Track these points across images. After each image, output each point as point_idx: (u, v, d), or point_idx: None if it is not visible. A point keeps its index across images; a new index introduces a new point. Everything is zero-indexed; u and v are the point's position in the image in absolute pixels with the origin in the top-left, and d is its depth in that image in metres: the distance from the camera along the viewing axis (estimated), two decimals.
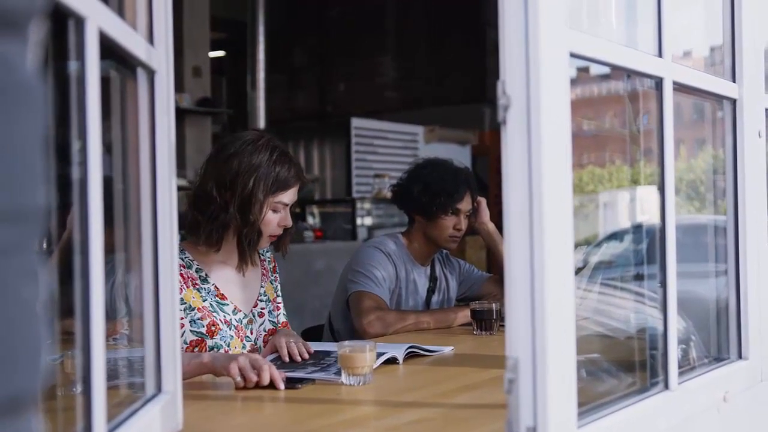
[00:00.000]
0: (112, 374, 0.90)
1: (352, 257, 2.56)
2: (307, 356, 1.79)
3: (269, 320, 2.05)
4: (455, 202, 2.51)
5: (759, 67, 1.60)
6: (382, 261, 2.48)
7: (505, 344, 0.98)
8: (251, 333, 1.99)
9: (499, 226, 2.52)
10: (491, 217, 2.65)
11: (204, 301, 1.91)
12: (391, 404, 1.49)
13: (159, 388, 1.12)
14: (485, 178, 6.69)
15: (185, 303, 1.87)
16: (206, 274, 1.95)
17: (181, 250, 1.93)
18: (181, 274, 1.89)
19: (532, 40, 0.96)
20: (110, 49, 0.92)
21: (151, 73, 1.10)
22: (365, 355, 1.57)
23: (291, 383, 1.59)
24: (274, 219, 1.93)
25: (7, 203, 0.46)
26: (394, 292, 2.52)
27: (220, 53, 8.96)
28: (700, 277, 1.66)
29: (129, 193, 1.11)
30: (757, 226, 1.57)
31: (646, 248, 1.53)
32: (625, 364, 1.44)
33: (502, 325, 2.24)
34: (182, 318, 1.86)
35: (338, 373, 1.60)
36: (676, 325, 1.29)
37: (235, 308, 1.96)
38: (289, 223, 1.96)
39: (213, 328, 1.89)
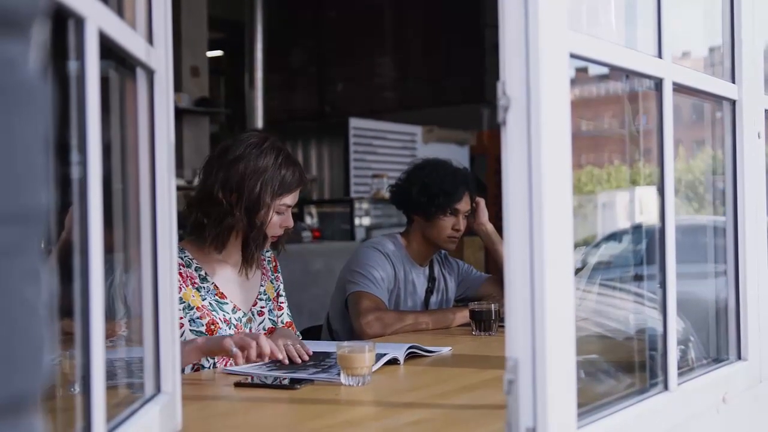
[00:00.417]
0: (111, 374, 0.89)
1: (350, 257, 2.56)
2: (306, 358, 1.79)
3: (269, 319, 2.06)
4: (454, 203, 2.51)
5: (758, 68, 1.60)
6: (381, 261, 2.48)
7: (504, 345, 0.98)
8: (251, 332, 2.00)
9: (498, 227, 2.52)
10: (489, 218, 2.65)
11: (203, 300, 1.92)
12: (390, 405, 1.49)
13: (158, 389, 1.12)
14: (483, 178, 6.69)
15: (184, 302, 1.88)
16: (205, 273, 1.95)
17: (181, 249, 1.94)
18: (180, 273, 1.89)
19: (532, 41, 0.96)
20: (110, 49, 0.92)
21: (150, 73, 1.10)
22: (364, 355, 1.57)
23: (290, 384, 1.58)
24: (277, 221, 1.95)
25: (10, 204, 0.46)
26: (392, 293, 2.52)
27: (218, 53, 8.96)
28: (700, 278, 1.66)
29: (128, 193, 1.11)
30: (757, 226, 1.57)
31: (645, 249, 1.53)
32: (624, 365, 1.44)
33: (501, 326, 2.24)
34: (181, 318, 1.87)
35: (339, 374, 1.60)
36: (675, 326, 1.29)
37: (234, 307, 1.97)
38: (291, 224, 1.98)
39: (212, 327, 1.90)
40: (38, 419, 0.48)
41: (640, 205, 1.65)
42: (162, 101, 1.12)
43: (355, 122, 7.10)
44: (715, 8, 1.59)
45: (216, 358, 1.88)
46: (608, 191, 1.97)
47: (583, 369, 1.12)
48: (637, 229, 1.71)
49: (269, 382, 1.61)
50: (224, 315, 1.94)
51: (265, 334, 2.03)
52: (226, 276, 1.99)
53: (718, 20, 1.58)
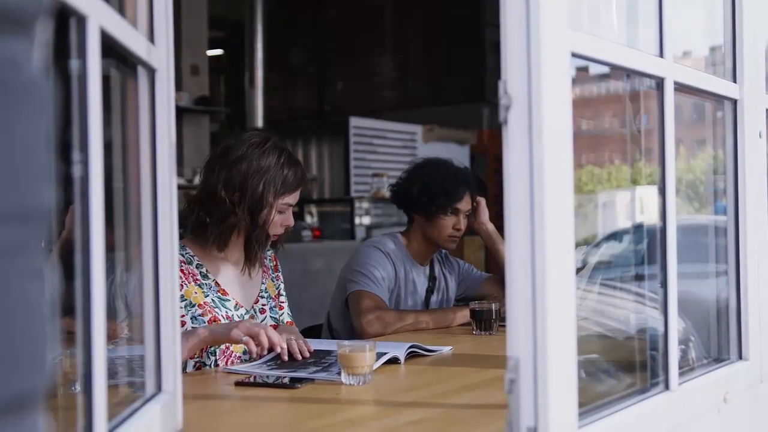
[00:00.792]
0: (111, 373, 0.89)
1: (351, 257, 2.55)
2: (307, 354, 1.80)
3: (271, 317, 2.07)
4: (454, 202, 2.51)
5: (760, 67, 1.60)
6: (381, 260, 2.47)
7: (504, 344, 0.98)
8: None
9: (498, 226, 2.52)
10: (489, 217, 2.65)
11: (206, 296, 1.92)
12: (390, 404, 1.49)
13: (159, 388, 1.12)
14: (483, 177, 6.69)
15: (186, 299, 1.89)
16: (207, 271, 1.96)
17: (182, 246, 1.94)
18: (182, 270, 1.90)
19: (534, 40, 0.96)
20: (111, 48, 0.91)
21: (151, 72, 1.10)
22: (365, 354, 1.57)
23: (291, 383, 1.58)
24: (278, 220, 1.96)
25: (14, 203, 0.45)
26: (393, 292, 2.52)
27: (219, 52, 8.96)
28: (700, 278, 1.66)
29: (129, 192, 1.11)
30: (758, 226, 1.57)
31: (646, 248, 1.53)
32: (625, 365, 1.44)
33: (502, 325, 2.23)
34: (183, 315, 1.87)
35: (339, 373, 1.60)
36: (676, 326, 1.29)
37: (236, 304, 1.98)
38: (292, 222, 2.00)
39: (214, 324, 1.90)
40: (41, 418, 0.48)
41: (640, 205, 1.65)
42: (163, 100, 1.12)
43: (355, 121, 7.10)
44: (717, 8, 1.59)
45: (218, 355, 1.88)
46: (609, 191, 1.97)
47: (584, 368, 1.12)
48: (637, 228, 1.71)
49: (270, 381, 1.61)
50: (226, 312, 1.95)
51: None
52: (228, 274, 2.00)
53: (719, 20, 1.58)
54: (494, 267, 2.89)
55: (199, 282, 1.93)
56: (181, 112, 6.36)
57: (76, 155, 0.80)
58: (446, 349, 1.99)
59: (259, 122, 7.14)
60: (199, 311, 1.90)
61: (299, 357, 1.77)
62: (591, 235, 1.94)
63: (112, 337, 1.12)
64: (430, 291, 2.63)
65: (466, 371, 1.78)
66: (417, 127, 7.37)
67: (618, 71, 1.37)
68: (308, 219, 6.47)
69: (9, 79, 0.46)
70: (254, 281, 2.06)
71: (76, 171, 0.80)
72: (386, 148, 7.22)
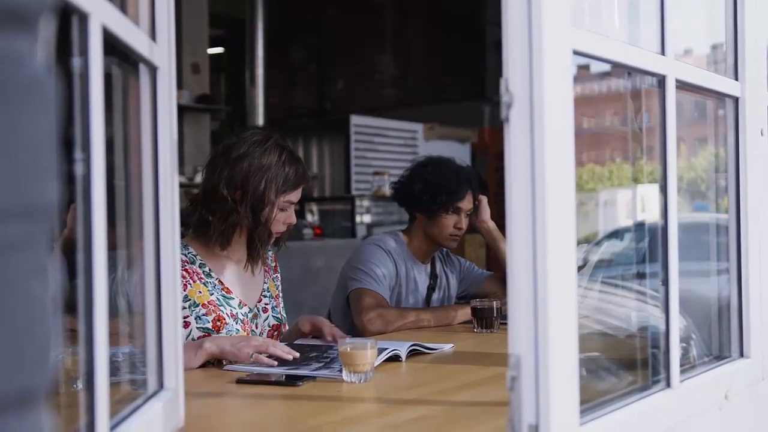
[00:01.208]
0: (113, 370, 0.90)
1: (352, 254, 2.56)
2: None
3: (273, 316, 2.08)
4: (456, 201, 2.51)
5: (762, 65, 1.60)
6: (383, 258, 2.48)
7: (505, 342, 0.98)
8: (256, 327, 2.01)
9: (498, 224, 2.52)
10: (490, 215, 2.65)
11: (211, 295, 1.93)
12: (392, 402, 1.49)
13: (161, 385, 1.12)
14: (484, 175, 6.69)
15: (189, 299, 1.89)
16: (209, 269, 1.97)
17: (185, 246, 1.95)
18: (185, 270, 1.91)
19: (536, 38, 0.96)
20: (113, 45, 0.91)
21: (153, 69, 1.10)
22: (366, 352, 1.57)
23: (292, 380, 1.59)
24: (281, 217, 1.96)
25: (18, 199, 0.46)
26: (394, 290, 2.52)
27: (219, 50, 8.96)
28: (702, 276, 1.66)
29: (131, 189, 1.11)
30: (759, 224, 1.57)
31: (647, 247, 1.53)
32: (626, 363, 1.44)
33: (503, 323, 2.24)
34: (187, 316, 1.88)
35: (341, 370, 1.60)
36: (678, 324, 1.29)
37: (240, 302, 1.99)
38: (294, 220, 2.00)
39: (218, 323, 1.91)
40: (45, 413, 0.48)
41: (642, 203, 1.65)
42: (165, 97, 1.12)
43: (356, 119, 7.10)
44: (718, 5, 1.59)
45: None
46: (610, 189, 1.97)
47: (585, 366, 1.12)
48: (639, 227, 1.71)
49: (271, 378, 1.61)
50: (231, 310, 1.95)
51: (270, 330, 2.04)
52: (231, 272, 2.01)
53: (721, 18, 1.58)
54: (495, 265, 2.89)
55: (203, 281, 1.94)
56: (181, 111, 6.36)
57: (78, 153, 0.80)
58: (447, 347, 1.99)
59: (260, 120, 7.15)
60: (203, 310, 1.90)
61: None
62: (592, 233, 1.94)
63: (115, 340, 1.12)
64: (431, 289, 2.63)
65: (468, 369, 1.78)
66: (418, 125, 7.37)
67: (619, 69, 1.37)
68: (309, 217, 6.47)
69: (12, 75, 0.46)
70: (257, 280, 2.07)
71: (78, 169, 0.80)
72: (387, 146, 7.22)
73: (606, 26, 1.45)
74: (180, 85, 6.45)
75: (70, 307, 0.80)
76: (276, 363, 1.71)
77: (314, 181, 7.21)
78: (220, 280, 1.97)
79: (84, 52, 0.80)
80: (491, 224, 2.65)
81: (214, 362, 1.88)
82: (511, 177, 0.97)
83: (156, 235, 1.12)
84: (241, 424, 1.38)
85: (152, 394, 1.10)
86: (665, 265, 1.28)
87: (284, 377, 1.62)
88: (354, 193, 6.76)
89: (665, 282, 1.29)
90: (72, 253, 0.82)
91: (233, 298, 1.97)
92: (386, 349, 1.78)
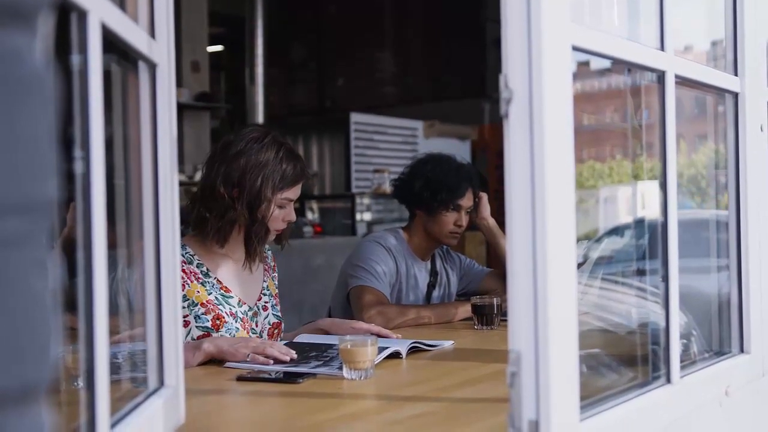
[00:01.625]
0: (114, 368, 0.90)
1: (352, 252, 2.56)
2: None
3: (273, 314, 2.07)
4: (457, 199, 2.51)
5: (761, 60, 1.60)
6: (383, 255, 2.48)
7: (506, 339, 0.98)
8: (256, 326, 2.01)
9: (499, 221, 2.52)
10: (491, 213, 2.65)
11: (209, 294, 1.93)
12: (392, 399, 1.49)
13: (161, 382, 1.12)
14: (484, 173, 6.69)
15: (188, 299, 1.89)
16: (207, 269, 1.96)
17: (182, 246, 1.94)
18: (183, 270, 1.90)
19: (535, 34, 0.96)
20: (112, 43, 0.91)
21: (152, 67, 1.10)
22: (366, 349, 1.57)
23: (292, 377, 1.59)
24: (279, 215, 1.96)
25: (18, 195, 0.46)
26: (394, 287, 2.52)
27: (219, 48, 8.95)
28: (702, 272, 1.66)
29: (130, 188, 1.11)
30: (759, 220, 1.57)
31: (648, 243, 1.53)
32: (626, 359, 1.44)
33: (503, 320, 2.24)
34: (187, 315, 1.88)
35: (341, 367, 1.61)
36: (678, 319, 1.29)
37: (239, 300, 1.98)
38: (293, 218, 1.99)
39: (218, 322, 1.91)
40: (45, 409, 0.48)
41: (642, 200, 1.65)
42: (164, 95, 1.12)
43: (356, 117, 7.09)
44: (718, 1, 1.58)
45: None
46: (610, 186, 1.97)
47: (585, 363, 1.12)
48: (639, 223, 1.71)
49: (272, 376, 1.62)
50: (230, 309, 1.95)
51: (270, 329, 2.04)
52: (229, 271, 2.00)
53: (720, 14, 1.58)
54: (495, 262, 2.89)
55: (201, 280, 1.93)
56: (181, 109, 6.36)
57: (77, 152, 0.80)
58: (448, 344, 1.99)
59: (260, 118, 7.14)
60: (202, 310, 1.90)
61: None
62: (592, 229, 1.94)
63: (116, 338, 1.12)
64: (432, 286, 2.63)
65: (468, 366, 1.78)
66: (418, 122, 7.36)
67: (619, 66, 1.37)
68: (309, 215, 6.47)
69: (12, 71, 0.46)
70: (256, 278, 2.06)
71: (78, 167, 0.80)
72: (387, 143, 7.22)
73: (606, 23, 1.45)
74: (180, 83, 6.45)
75: (71, 305, 0.80)
76: (272, 362, 1.70)
77: (314, 179, 7.22)
78: (218, 279, 1.96)
79: (83, 50, 0.80)
80: (491, 221, 2.65)
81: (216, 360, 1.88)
82: (510, 173, 0.97)
83: (156, 233, 1.12)
84: (241, 421, 1.38)
85: (153, 392, 1.10)
86: (665, 261, 1.28)
87: (284, 374, 1.62)
88: (354, 190, 6.76)
89: (665, 278, 1.29)
90: (72, 252, 0.82)
91: (232, 297, 1.97)
92: (386, 348, 1.78)
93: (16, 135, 0.46)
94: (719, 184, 1.67)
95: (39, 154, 0.48)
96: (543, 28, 0.95)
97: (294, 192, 1.97)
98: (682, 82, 1.34)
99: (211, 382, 1.64)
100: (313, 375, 1.61)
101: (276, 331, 2.07)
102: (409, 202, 2.61)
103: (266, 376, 1.62)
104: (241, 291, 2.00)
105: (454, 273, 2.71)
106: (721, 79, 1.52)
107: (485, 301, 2.28)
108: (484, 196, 2.64)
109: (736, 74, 1.55)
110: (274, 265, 2.17)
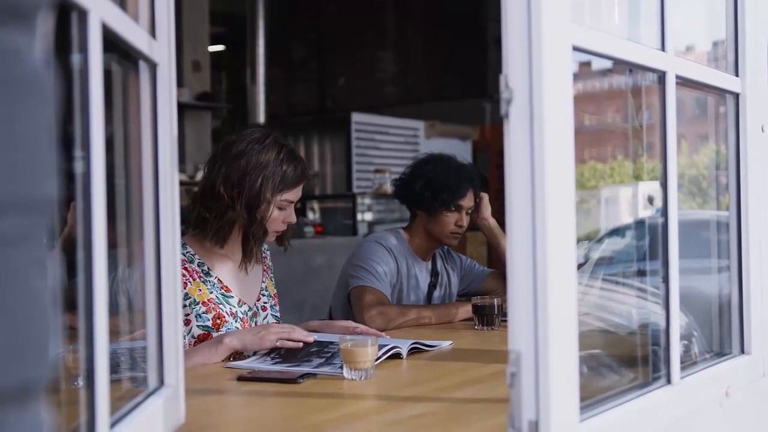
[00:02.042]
0: (113, 368, 0.90)
1: (353, 252, 2.56)
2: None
3: (272, 314, 2.08)
4: (457, 199, 2.51)
5: (762, 61, 1.59)
6: (384, 256, 2.48)
7: (506, 339, 0.98)
8: (255, 326, 2.01)
9: (500, 221, 2.52)
10: (492, 213, 2.65)
11: (210, 293, 1.93)
12: (392, 399, 1.49)
13: (161, 381, 1.12)
14: (485, 173, 6.69)
15: (190, 297, 1.89)
16: (208, 268, 1.97)
17: (183, 245, 1.94)
18: (185, 268, 1.91)
19: (535, 34, 0.96)
20: (112, 42, 0.91)
21: (153, 66, 1.10)
22: (367, 349, 1.57)
23: (293, 377, 1.59)
24: (279, 216, 1.96)
25: (17, 193, 0.46)
26: (395, 287, 2.52)
27: (220, 48, 8.96)
28: (703, 273, 1.66)
29: (131, 187, 1.11)
30: (760, 221, 1.57)
31: (648, 244, 1.53)
32: (627, 359, 1.44)
33: (504, 320, 2.24)
34: (188, 314, 1.88)
35: (342, 367, 1.61)
36: (678, 320, 1.29)
37: (239, 300, 1.99)
38: (293, 219, 2.00)
39: (218, 321, 1.91)
40: (44, 407, 0.48)
41: (643, 201, 1.65)
42: (164, 94, 1.12)
43: (357, 117, 7.10)
44: (719, 2, 1.58)
45: None
46: (611, 186, 1.96)
47: (586, 363, 1.12)
48: (639, 224, 1.71)
49: (272, 375, 1.62)
50: (230, 308, 1.95)
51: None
52: (229, 271, 2.00)
53: (721, 14, 1.57)
54: (497, 262, 2.89)
55: (202, 279, 1.94)
56: (182, 108, 6.36)
57: (77, 151, 0.80)
58: (446, 344, 1.99)
59: (261, 118, 7.15)
60: (203, 309, 1.91)
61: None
62: (593, 230, 1.94)
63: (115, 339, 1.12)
64: (432, 286, 2.63)
65: (468, 366, 1.78)
66: (419, 122, 7.36)
67: (621, 66, 1.37)
68: (310, 215, 6.47)
69: (11, 70, 0.46)
70: (255, 279, 2.07)
71: (78, 167, 0.80)
72: (388, 143, 7.22)
73: (606, 23, 1.45)
74: (181, 83, 6.46)
75: (72, 305, 0.80)
76: (301, 345, 1.77)
77: (315, 179, 7.22)
78: (219, 279, 1.97)
79: (83, 49, 0.80)
80: (492, 221, 2.65)
81: None
82: (510, 173, 0.97)
83: (156, 233, 1.12)
84: (241, 420, 1.38)
85: (153, 391, 1.10)
86: (665, 262, 1.28)
87: (285, 374, 1.62)
88: (355, 190, 6.77)
89: (665, 279, 1.29)
90: (73, 251, 0.82)
91: (232, 297, 1.98)
92: (386, 345, 1.78)
93: (15, 134, 0.46)
94: (720, 184, 1.67)
95: (39, 154, 0.48)
96: (543, 28, 0.95)
97: (294, 194, 1.97)
98: (683, 82, 1.34)
99: (212, 381, 1.64)
100: (314, 375, 1.62)
101: None
102: (410, 203, 2.61)
103: (266, 376, 1.62)
104: (241, 291, 2.01)
105: (455, 273, 2.71)
106: (722, 79, 1.51)
107: (486, 301, 2.28)
108: (485, 197, 2.64)
109: (737, 75, 1.54)
110: (271, 266, 2.17)
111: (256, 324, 2.02)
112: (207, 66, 6.95)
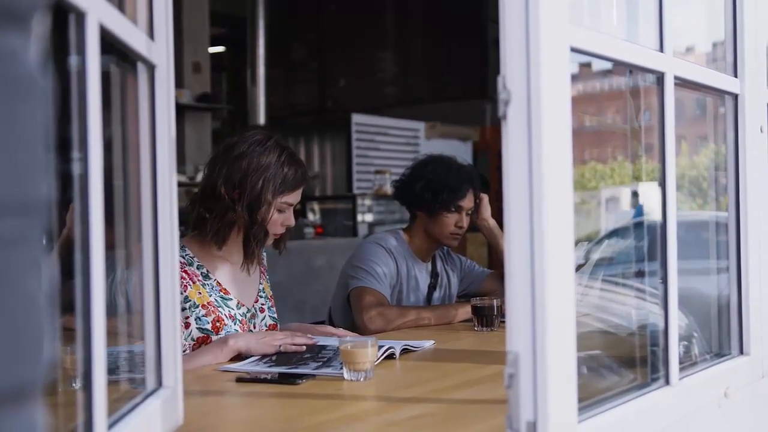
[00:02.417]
0: (111, 369, 0.90)
1: (352, 253, 2.56)
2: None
3: (269, 316, 2.08)
4: (457, 200, 2.51)
5: (761, 62, 1.59)
6: (383, 257, 2.48)
7: (505, 340, 0.98)
8: (254, 327, 2.01)
9: (500, 222, 2.52)
10: (492, 214, 2.65)
11: (210, 296, 1.93)
12: (392, 400, 1.49)
13: (159, 383, 1.12)
14: (486, 174, 6.68)
15: (190, 300, 1.89)
16: (207, 271, 1.96)
17: (182, 248, 1.94)
18: (185, 271, 1.91)
19: (533, 35, 0.96)
20: (110, 44, 0.91)
21: (151, 68, 1.10)
22: (366, 350, 1.57)
23: (291, 378, 1.59)
24: (278, 219, 1.96)
25: (12, 195, 0.46)
26: (394, 288, 2.52)
27: (220, 49, 8.96)
28: (702, 274, 1.66)
29: (129, 189, 1.11)
30: (759, 221, 1.57)
31: (648, 245, 1.53)
32: (625, 360, 1.44)
33: (503, 321, 2.24)
34: (188, 317, 1.88)
35: (342, 368, 1.61)
36: (677, 321, 1.29)
37: (238, 303, 1.99)
38: (292, 222, 2.00)
39: (218, 324, 1.91)
40: (39, 409, 0.48)
41: (642, 201, 1.65)
42: (163, 96, 1.12)
43: (357, 118, 7.09)
44: (718, 3, 1.58)
45: None
46: (611, 187, 1.96)
47: (584, 364, 1.12)
48: (639, 225, 1.71)
49: (272, 376, 1.61)
50: (229, 311, 1.95)
51: (268, 329, 2.05)
52: (228, 273, 2.00)
53: (720, 15, 1.57)
54: (497, 263, 2.89)
55: (202, 282, 1.94)
56: (182, 110, 6.36)
57: (75, 153, 0.80)
58: (429, 344, 1.99)
59: (261, 119, 7.15)
60: (203, 311, 1.91)
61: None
62: (593, 231, 1.94)
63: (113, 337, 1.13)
64: (432, 287, 2.63)
65: (467, 367, 1.78)
66: (419, 123, 7.36)
67: (620, 67, 1.36)
68: (310, 216, 6.47)
69: (7, 72, 0.46)
70: (253, 281, 2.07)
71: (76, 168, 0.80)
72: (388, 144, 7.22)
73: (605, 24, 1.45)
74: (181, 84, 6.46)
75: (69, 306, 0.80)
76: (305, 348, 1.81)
77: (315, 180, 7.21)
78: (218, 282, 1.97)
79: (81, 51, 0.80)
80: (492, 222, 2.65)
81: None
82: (508, 174, 0.97)
83: (154, 234, 1.12)
84: (240, 422, 1.38)
85: (151, 392, 1.10)
86: (664, 262, 1.28)
87: (283, 375, 1.62)
88: (355, 191, 6.76)
89: (664, 279, 1.29)
90: (71, 253, 0.82)
91: (231, 299, 1.98)
92: (383, 346, 1.78)
93: (11, 136, 0.46)
94: (720, 185, 1.67)
95: (35, 155, 0.48)
96: (541, 29, 0.95)
97: (294, 197, 1.97)
98: (682, 83, 1.34)
99: (210, 383, 1.64)
100: (313, 376, 1.61)
101: None
102: (410, 204, 2.61)
103: (265, 377, 1.62)
104: (239, 293, 2.01)
105: (455, 274, 2.71)
106: (721, 80, 1.52)
107: (485, 302, 2.28)
108: (485, 198, 2.64)
109: (735, 76, 1.55)
110: (266, 267, 2.18)
111: (254, 326, 2.02)
112: (207, 67, 6.95)
